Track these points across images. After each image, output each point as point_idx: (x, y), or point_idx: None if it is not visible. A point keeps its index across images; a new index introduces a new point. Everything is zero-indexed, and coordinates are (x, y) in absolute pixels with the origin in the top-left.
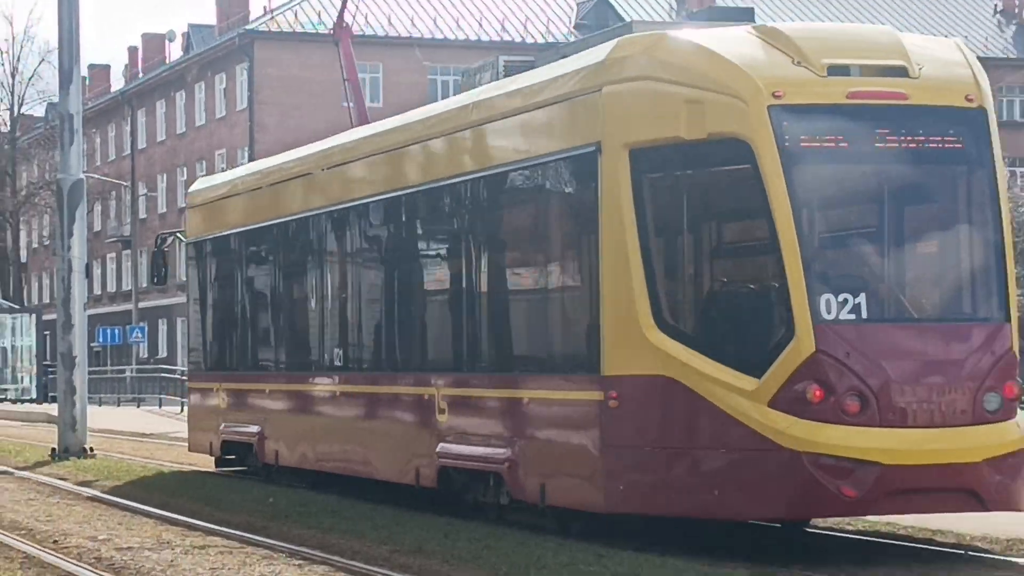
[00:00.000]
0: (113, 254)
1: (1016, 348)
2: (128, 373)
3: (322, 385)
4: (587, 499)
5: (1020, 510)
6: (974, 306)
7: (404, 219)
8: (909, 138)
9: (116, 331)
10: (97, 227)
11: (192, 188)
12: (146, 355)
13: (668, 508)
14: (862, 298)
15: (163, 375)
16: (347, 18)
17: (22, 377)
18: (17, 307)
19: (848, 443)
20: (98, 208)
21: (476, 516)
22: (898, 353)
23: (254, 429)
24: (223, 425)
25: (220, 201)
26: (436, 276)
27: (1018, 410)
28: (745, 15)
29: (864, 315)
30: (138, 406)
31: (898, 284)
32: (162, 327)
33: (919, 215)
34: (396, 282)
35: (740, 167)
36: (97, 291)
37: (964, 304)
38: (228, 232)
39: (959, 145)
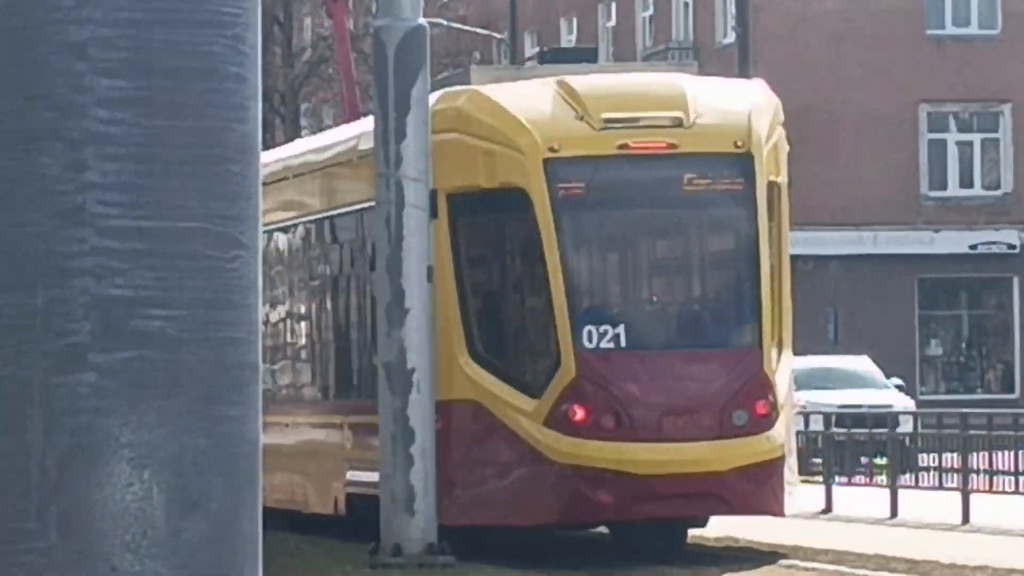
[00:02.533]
0: None
1: (771, 370)
2: None
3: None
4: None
5: (768, 514)
6: (725, 334)
7: (285, 249)
8: (675, 183)
9: None
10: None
11: None
12: None
13: (484, 519)
14: (620, 329)
15: None
16: None
17: None
18: None
19: (605, 456)
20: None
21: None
22: (651, 377)
23: None
24: None
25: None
26: (322, 305)
27: (778, 423)
28: (588, 55)
29: (622, 344)
30: None
31: (654, 316)
32: None
33: (678, 253)
34: (304, 311)
35: (522, 214)
36: None
37: (715, 333)
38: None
39: (722, 187)
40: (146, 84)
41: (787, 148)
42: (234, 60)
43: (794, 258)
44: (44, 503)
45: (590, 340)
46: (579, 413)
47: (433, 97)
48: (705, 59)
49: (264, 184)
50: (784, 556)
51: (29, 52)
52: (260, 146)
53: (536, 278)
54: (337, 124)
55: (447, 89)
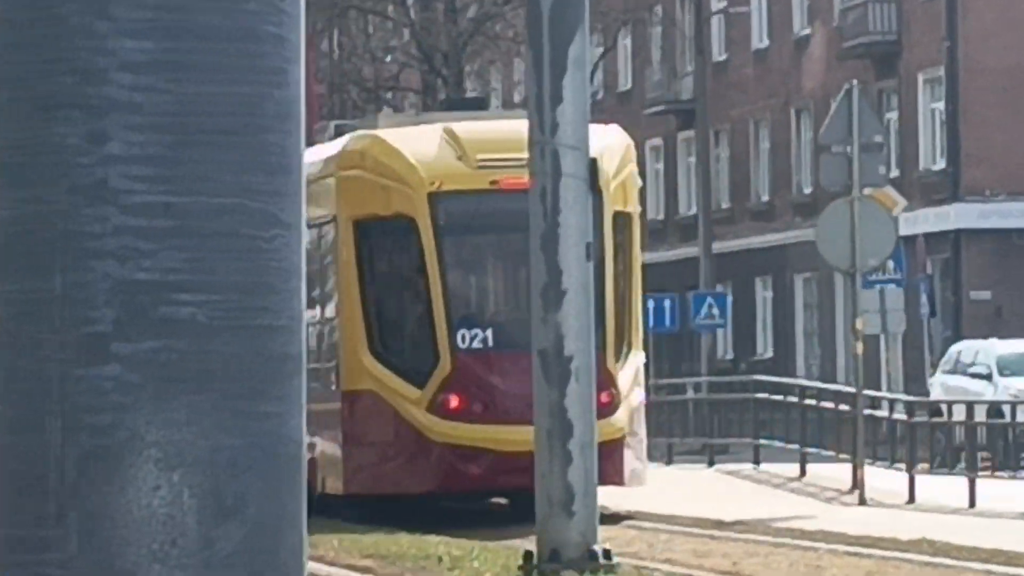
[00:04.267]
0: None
1: (613, 368)
2: (690, 392)
3: None
4: (335, 486)
5: (610, 484)
6: None
7: None
8: None
9: (657, 303)
10: (623, 84)
11: None
12: (727, 352)
13: (376, 489)
14: (488, 333)
15: (769, 396)
16: None
17: None
18: None
19: (475, 436)
20: (625, 44)
21: None
22: (512, 372)
23: None
24: None
25: None
26: None
27: (620, 411)
28: (477, 104)
29: (490, 345)
30: (710, 463)
31: (515, 323)
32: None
33: None
34: None
35: (411, 238)
36: None
37: None
38: None
39: None
40: (175, 46)
41: (638, 183)
42: (273, 19)
43: (1007, 232)
44: (63, 509)
45: (463, 342)
46: (454, 401)
47: (342, 140)
48: (909, 14)
49: None
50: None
51: (46, 10)
52: (303, 114)
53: (421, 291)
54: (505, 88)
55: (354, 133)
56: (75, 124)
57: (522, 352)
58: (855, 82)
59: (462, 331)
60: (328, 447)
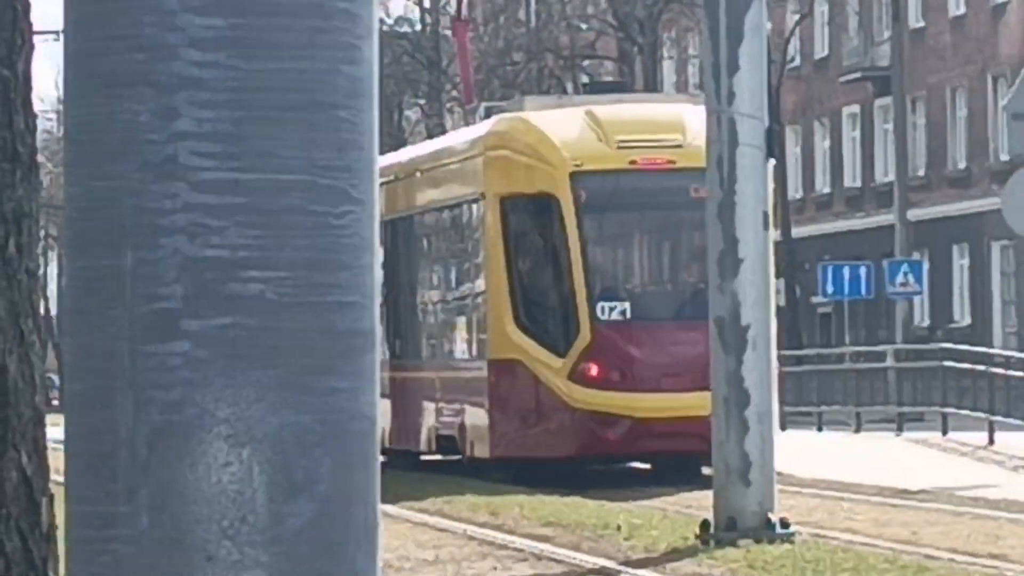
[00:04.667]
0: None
1: None
2: (888, 360)
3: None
4: (483, 450)
5: None
6: (705, 309)
7: (398, 237)
8: (673, 192)
9: (853, 270)
10: (820, 51)
11: None
12: (924, 320)
13: (520, 452)
14: (626, 305)
15: (956, 363)
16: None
17: None
18: None
19: (613, 403)
20: (822, 11)
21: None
22: (649, 342)
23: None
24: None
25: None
26: (416, 282)
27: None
28: (619, 88)
29: (628, 316)
30: (898, 431)
31: (652, 295)
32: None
33: (675, 245)
34: (394, 287)
35: (553, 215)
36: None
37: (698, 308)
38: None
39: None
40: (243, 22)
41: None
42: None
43: None
44: (133, 485)
45: (603, 314)
46: (593, 369)
47: (489, 122)
48: None
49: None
50: None
51: None
52: (376, 91)
53: (563, 265)
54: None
55: (501, 115)
56: (145, 101)
57: (659, 323)
58: None
59: (601, 303)
60: (476, 413)
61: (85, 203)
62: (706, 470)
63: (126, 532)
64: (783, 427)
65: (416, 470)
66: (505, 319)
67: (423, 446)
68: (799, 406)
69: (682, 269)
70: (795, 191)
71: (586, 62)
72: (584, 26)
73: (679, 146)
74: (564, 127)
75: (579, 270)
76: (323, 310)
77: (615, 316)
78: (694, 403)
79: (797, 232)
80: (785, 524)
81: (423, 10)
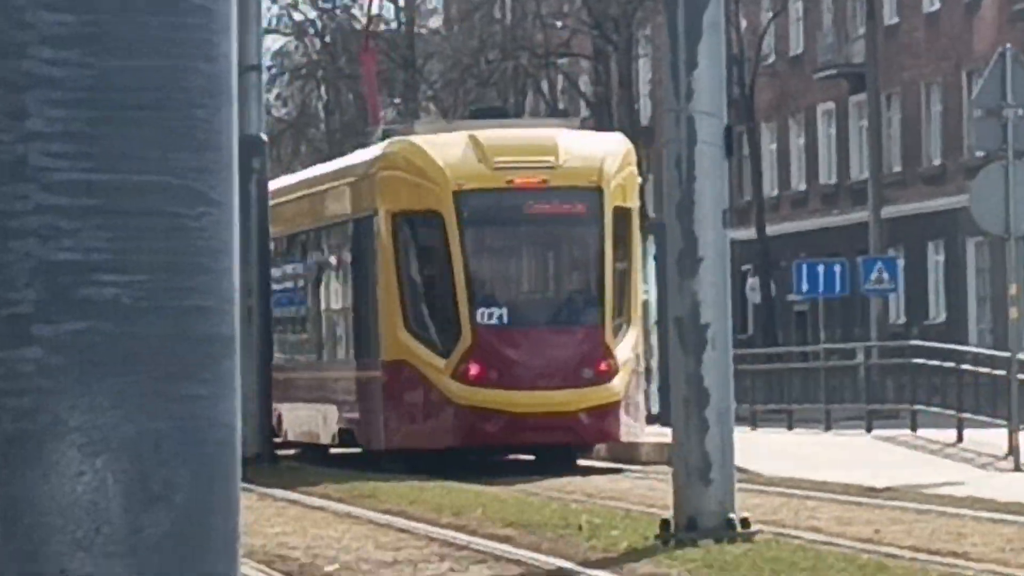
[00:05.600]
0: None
1: (611, 340)
2: (859, 357)
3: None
4: (378, 442)
5: (611, 440)
6: (577, 316)
7: (305, 248)
8: (545, 207)
9: (828, 268)
10: (795, 48)
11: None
12: (899, 317)
13: (410, 444)
14: (504, 311)
15: (926, 360)
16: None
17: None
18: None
19: (492, 400)
20: (796, 8)
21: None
22: (525, 345)
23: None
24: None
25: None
26: (318, 291)
27: (616, 378)
28: (498, 112)
29: (505, 321)
30: (868, 429)
31: (527, 302)
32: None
33: (548, 257)
34: (306, 294)
35: (439, 230)
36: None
37: (570, 315)
38: (283, 234)
39: (578, 210)
40: (95, 19)
41: (638, 181)
42: None
43: None
44: None
45: (483, 318)
46: (474, 369)
47: (383, 144)
48: None
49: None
50: None
51: None
52: (233, 89)
53: (447, 275)
54: None
55: (392, 138)
56: None
57: (533, 328)
58: (1008, 46)
59: (481, 309)
60: (371, 409)
61: None
62: (581, 461)
63: None
64: (754, 426)
65: (323, 463)
66: (396, 324)
67: (328, 440)
68: (771, 404)
69: (555, 278)
70: (770, 188)
71: (561, 60)
72: (559, 24)
73: (551, 167)
74: (449, 150)
75: (461, 279)
76: (181, 315)
77: (494, 321)
78: (565, 400)
79: (772, 230)
80: (746, 523)
81: (398, 8)
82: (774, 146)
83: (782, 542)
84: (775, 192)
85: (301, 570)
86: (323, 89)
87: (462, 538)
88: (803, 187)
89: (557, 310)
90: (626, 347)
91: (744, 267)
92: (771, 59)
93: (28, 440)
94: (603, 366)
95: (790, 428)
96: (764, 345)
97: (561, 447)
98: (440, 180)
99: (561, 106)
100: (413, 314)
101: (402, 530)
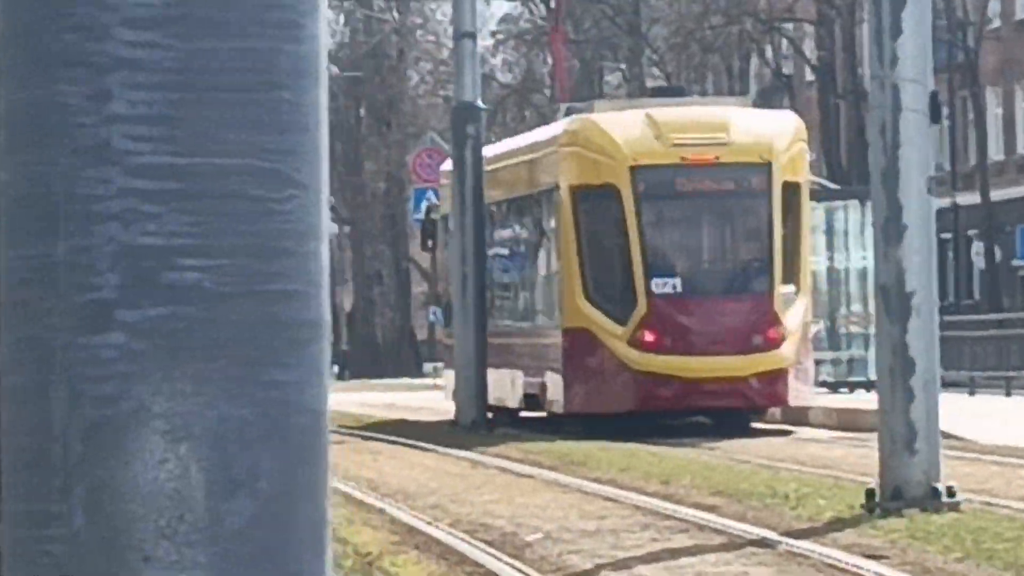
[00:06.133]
0: None
1: (780, 309)
2: None
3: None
4: (559, 407)
5: (776, 406)
6: (747, 284)
7: (492, 220)
8: (718, 183)
9: None
10: (1022, 12)
11: (442, 169)
12: None
13: (589, 408)
14: (677, 280)
15: None
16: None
17: (850, 335)
18: (837, 188)
19: (667, 365)
20: None
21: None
22: (697, 313)
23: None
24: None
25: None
26: (505, 261)
27: (785, 345)
28: (678, 92)
29: (679, 290)
30: None
31: (700, 272)
32: None
33: (720, 229)
34: (493, 264)
35: (616, 203)
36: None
37: (740, 284)
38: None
39: (748, 185)
40: (179, 0)
41: (807, 157)
42: None
43: None
44: (68, 482)
45: (657, 288)
46: (649, 336)
47: (565, 121)
48: None
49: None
50: None
51: None
52: (323, 70)
53: (624, 246)
54: None
55: (573, 116)
56: (77, 83)
57: (705, 297)
58: None
59: (656, 279)
60: (553, 375)
61: (17, 190)
62: (755, 424)
63: (61, 531)
64: (972, 392)
65: (513, 424)
66: (576, 292)
67: (515, 404)
68: (991, 370)
69: (726, 250)
70: (996, 153)
71: (785, 25)
72: None
73: (723, 143)
74: (626, 127)
75: (637, 251)
76: (265, 299)
77: (668, 290)
78: (737, 365)
79: (997, 195)
80: (951, 492)
81: None
82: (999, 110)
83: (988, 512)
84: (1000, 157)
85: (503, 539)
86: (548, 54)
87: (667, 507)
88: None
89: (728, 280)
90: (795, 315)
91: (969, 232)
92: (996, 23)
93: (110, 427)
94: (772, 333)
95: (1008, 394)
96: (990, 311)
97: (733, 411)
98: (618, 156)
99: (785, 71)
100: (592, 283)
101: (608, 498)
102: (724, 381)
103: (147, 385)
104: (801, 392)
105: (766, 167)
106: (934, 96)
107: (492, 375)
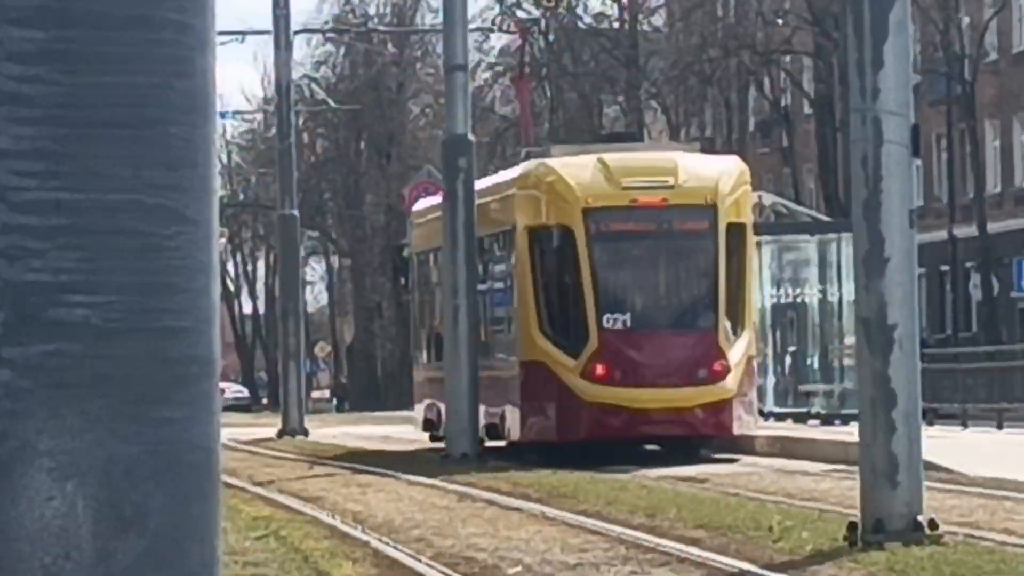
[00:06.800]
0: None
1: (725, 343)
2: None
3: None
4: (516, 435)
5: (725, 434)
6: (693, 320)
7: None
8: (666, 224)
9: None
10: (1018, 44)
11: (414, 208)
12: None
13: (544, 437)
14: (627, 316)
15: None
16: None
17: (843, 368)
18: (830, 220)
19: (617, 397)
20: (1020, 4)
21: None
22: (646, 347)
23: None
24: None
25: (425, 224)
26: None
27: (729, 377)
28: (627, 137)
29: (629, 326)
30: None
31: (648, 308)
32: None
33: (668, 268)
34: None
35: (570, 242)
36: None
37: (687, 320)
38: (426, 249)
39: (695, 227)
40: (65, 35)
41: (752, 198)
42: (173, 5)
43: None
44: None
45: (609, 323)
46: (600, 369)
47: (522, 165)
48: None
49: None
50: None
51: None
52: (212, 105)
53: (577, 283)
54: None
55: (529, 161)
56: None
57: (655, 332)
58: None
59: (607, 315)
60: (511, 405)
61: None
62: (703, 452)
63: None
64: (964, 424)
65: (503, 456)
66: (532, 327)
67: (478, 433)
68: (985, 403)
69: (673, 288)
70: (993, 186)
71: (783, 57)
72: (780, 21)
73: (671, 187)
74: (579, 171)
75: (589, 288)
76: (154, 336)
77: (618, 326)
78: (683, 397)
79: (994, 227)
80: (934, 525)
81: (621, 7)
82: (997, 143)
83: (970, 545)
84: (997, 189)
85: (484, 572)
86: (547, 87)
87: (651, 540)
88: None
89: (676, 316)
90: (739, 349)
91: (967, 264)
92: (993, 56)
93: None
94: (717, 366)
95: (999, 427)
96: (987, 343)
97: (681, 440)
98: (571, 198)
99: (783, 103)
100: (548, 319)
101: (593, 531)
102: (671, 411)
103: (32, 422)
104: (745, 421)
105: (711, 209)
106: (915, 129)
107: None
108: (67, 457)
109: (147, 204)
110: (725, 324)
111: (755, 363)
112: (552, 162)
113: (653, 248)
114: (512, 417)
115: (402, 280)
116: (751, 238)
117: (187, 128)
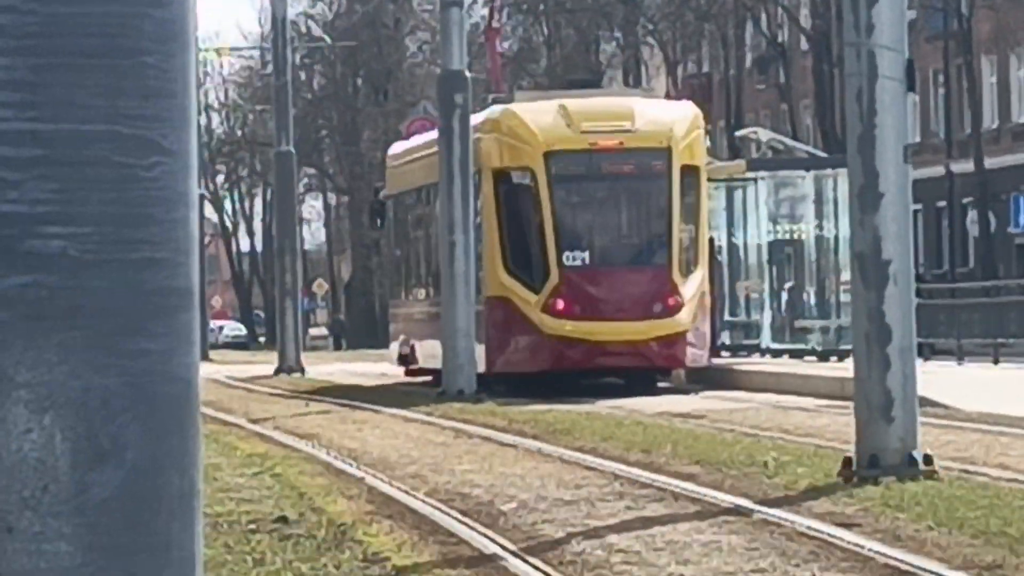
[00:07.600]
0: None
1: (678, 279)
2: None
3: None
4: (481, 367)
5: (678, 366)
6: (648, 258)
7: (424, 205)
8: (622, 165)
9: None
10: None
11: (389, 152)
12: None
13: (508, 368)
14: (586, 254)
15: None
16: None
17: (840, 304)
18: (827, 156)
19: (576, 330)
20: None
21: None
22: (604, 283)
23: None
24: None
25: (399, 167)
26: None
27: (683, 312)
28: (589, 83)
29: (587, 263)
30: None
31: (607, 246)
32: None
33: (625, 208)
34: (429, 241)
35: (532, 184)
36: None
37: (642, 257)
38: (400, 191)
39: (651, 168)
40: None
41: (706, 143)
42: None
43: None
44: None
45: (569, 260)
46: (560, 304)
47: (486, 111)
48: None
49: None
50: None
51: None
52: (190, 35)
53: (539, 223)
54: None
55: (494, 106)
56: None
57: (612, 269)
58: None
59: (567, 253)
60: (477, 338)
61: None
62: (661, 384)
63: None
64: (960, 360)
65: (501, 393)
66: (497, 265)
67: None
68: (983, 338)
69: (630, 227)
70: (991, 121)
71: None
72: None
73: (628, 131)
74: (541, 116)
75: (550, 227)
76: (131, 267)
77: (577, 263)
78: (638, 330)
79: (991, 163)
80: (929, 460)
81: None
82: (994, 79)
83: (964, 480)
84: (995, 125)
85: (478, 508)
86: (544, 23)
87: (646, 476)
88: None
89: (632, 253)
90: (692, 285)
91: (964, 200)
92: None
93: None
94: (671, 301)
95: (996, 363)
96: (984, 279)
97: (639, 371)
98: (533, 142)
99: (780, 39)
100: (511, 257)
101: (589, 468)
102: (627, 344)
103: (9, 355)
104: (697, 355)
105: (666, 152)
106: (910, 64)
107: (427, 343)
108: (45, 389)
109: (124, 134)
110: (679, 261)
111: (707, 299)
112: (515, 107)
113: (611, 189)
114: (478, 350)
115: (378, 222)
116: (704, 180)
117: (163, 58)
